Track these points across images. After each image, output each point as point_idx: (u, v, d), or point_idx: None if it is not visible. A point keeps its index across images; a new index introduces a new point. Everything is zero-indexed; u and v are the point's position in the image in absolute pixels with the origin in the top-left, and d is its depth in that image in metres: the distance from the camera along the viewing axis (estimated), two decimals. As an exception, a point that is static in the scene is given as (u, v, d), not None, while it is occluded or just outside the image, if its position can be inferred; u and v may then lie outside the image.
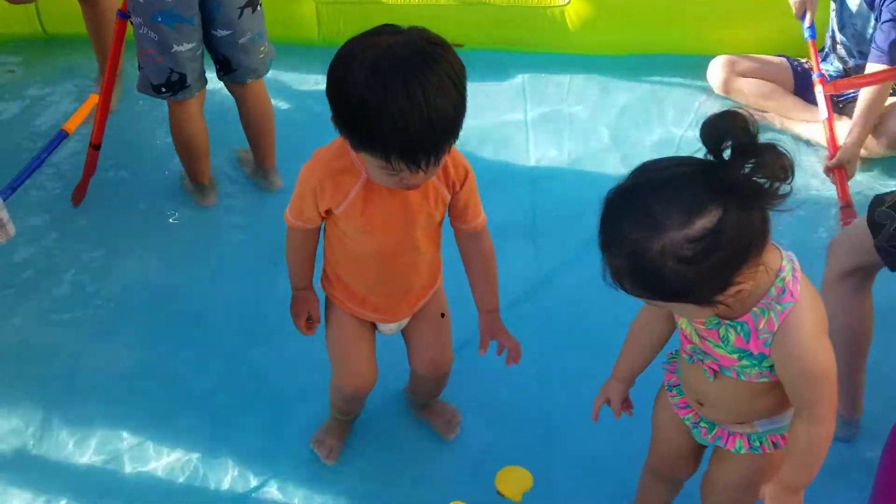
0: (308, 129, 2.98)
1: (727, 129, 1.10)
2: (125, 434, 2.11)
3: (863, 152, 2.81)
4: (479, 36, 3.40)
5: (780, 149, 1.08)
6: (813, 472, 1.36)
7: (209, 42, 2.44)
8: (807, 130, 3.04)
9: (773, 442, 1.45)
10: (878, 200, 1.83)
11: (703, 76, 3.25)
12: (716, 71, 3.19)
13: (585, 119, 3.17)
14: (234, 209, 2.78)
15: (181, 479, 2.03)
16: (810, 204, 2.75)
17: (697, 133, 1.14)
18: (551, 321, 2.39)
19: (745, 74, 3.14)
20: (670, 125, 3.14)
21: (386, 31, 1.37)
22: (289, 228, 1.68)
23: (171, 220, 2.73)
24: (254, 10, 2.42)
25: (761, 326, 1.25)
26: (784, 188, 1.09)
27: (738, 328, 1.27)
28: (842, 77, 3.02)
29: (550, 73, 3.38)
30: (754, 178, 1.08)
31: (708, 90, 3.26)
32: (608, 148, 3.04)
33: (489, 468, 1.86)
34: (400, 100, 1.28)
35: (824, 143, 2.86)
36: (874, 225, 1.80)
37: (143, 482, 2.03)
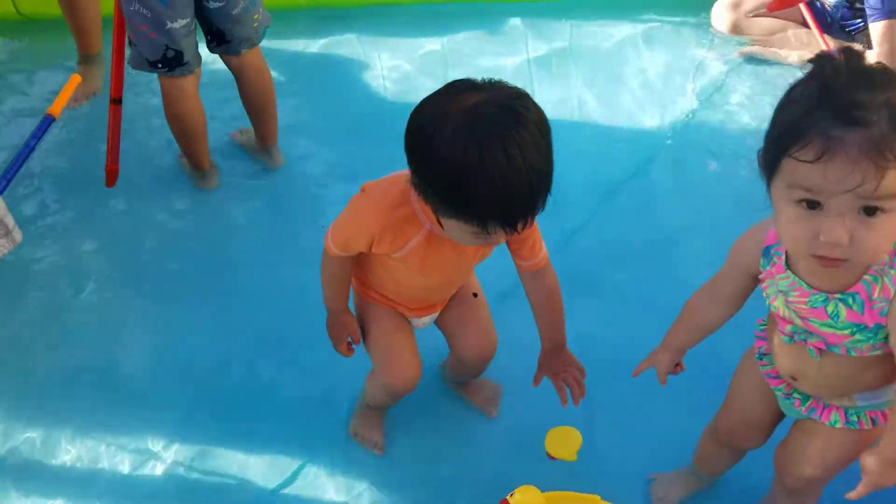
0: (301, 98, 2.90)
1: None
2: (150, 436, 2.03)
3: None
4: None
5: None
6: None
7: (201, 15, 2.31)
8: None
9: (871, 418, 1.39)
10: None
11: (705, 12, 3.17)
12: (721, 15, 3.14)
13: (589, 62, 3.09)
14: (241, 190, 2.66)
15: (223, 468, 1.96)
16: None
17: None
18: (580, 281, 2.29)
19: (752, 13, 3.08)
20: (674, 67, 3.06)
21: (463, 87, 1.28)
22: (327, 254, 1.61)
23: (178, 207, 2.61)
24: None
25: (875, 295, 1.18)
26: None
27: (850, 300, 1.20)
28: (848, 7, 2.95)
29: (549, 17, 3.27)
30: None
31: (711, 27, 3.20)
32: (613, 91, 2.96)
33: (536, 439, 1.80)
34: (500, 162, 1.20)
35: None
36: None
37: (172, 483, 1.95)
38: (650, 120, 2.86)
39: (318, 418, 2.04)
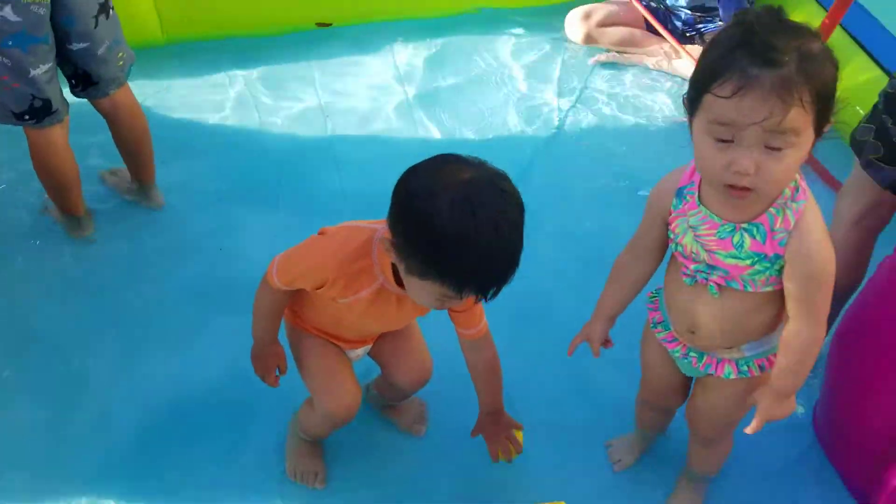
0: (173, 132, 2.80)
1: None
2: None
3: None
4: (345, 13, 3.36)
5: None
6: (803, 376, 1.43)
7: (63, 58, 2.19)
8: (678, 67, 3.23)
9: (759, 365, 1.51)
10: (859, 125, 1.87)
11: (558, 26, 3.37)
12: (574, 27, 3.32)
13: (464, 79, 3.18)
14: (117, 236, 2.52)
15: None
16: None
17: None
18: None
19: (603, 24, 3.27)
20: (539, 78, 3.21)
21: (453, 161, 1.36)
22: (267, 285, 1.60)
23: (56, 260, 2.44)
24: (108, 16, 2.19)
25: (777, 226, 1.30)
26: None
27: (754, 230, 1.31)
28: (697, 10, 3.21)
29: (422, 38, 3.34)
30: None
31: (566, 39, 3.38)
32: (490, 107, 3.05)
33: (470, 449, 1.88)
34: (490, 235, 1.29)
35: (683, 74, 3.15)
36: (856, 144, 1.86)
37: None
38: (525, 127, 2.97)
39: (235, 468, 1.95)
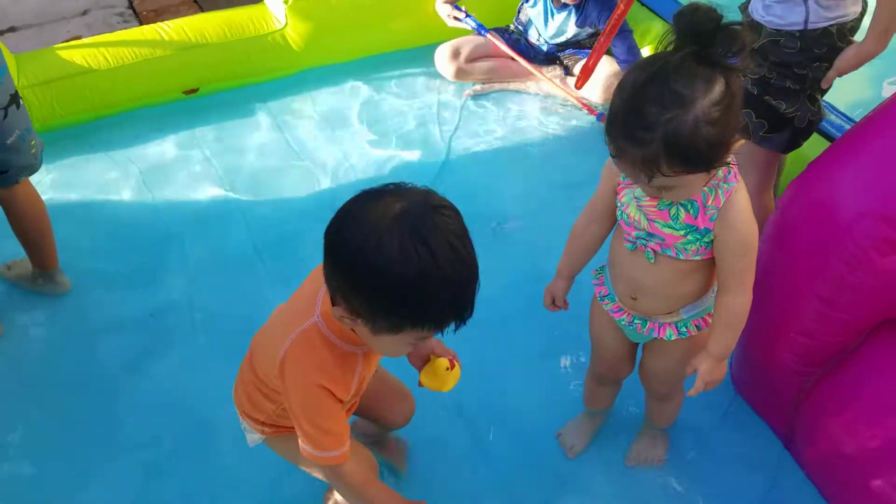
0: (66, 215, 2.75)
1: (701, 21, 1.28)
2: None
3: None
4: (210, 77, 3.35)
5: (735, 27, 1.29)
6: (734, 341, 1.61)
7: None
8: (543, 87, 3.47)
9: (696, 325, 1.69)
10: None
11: (428, 62, 3.52)
12: (444, 66, 3.48)
13: (343, 125, 3.27)
14: (31, 326, 2.45)
15: None
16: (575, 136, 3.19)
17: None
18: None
19: (470, 59, 3.45)
20: (425, 111, 3.36)
21: (376, 196, 1.25)
22: (344, 472, 1.50)
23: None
24: (17, 106, 2.17)
25: (709, 203, 1.48)
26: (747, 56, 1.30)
27: (689, 206, 1.49)
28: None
29: (294, 94, 3.41)
30: (730, 52, 1.29)
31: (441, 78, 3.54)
32: (375, 150, 3.17)
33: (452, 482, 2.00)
34: (449, 256, 1.21)
35: (558, 93, 3.40)
36: (742, 130, 2.12)
37: None
38: (416, 161, 3.10)
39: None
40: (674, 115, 1.28)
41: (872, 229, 1.70)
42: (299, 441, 1.48)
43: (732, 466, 2.05)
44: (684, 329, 1.70)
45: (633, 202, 1.57)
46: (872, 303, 1.77)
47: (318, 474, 1.69)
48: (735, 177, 1.49)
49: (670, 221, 1.52)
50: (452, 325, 1.29)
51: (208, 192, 2.96)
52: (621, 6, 2.98)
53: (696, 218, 1.50)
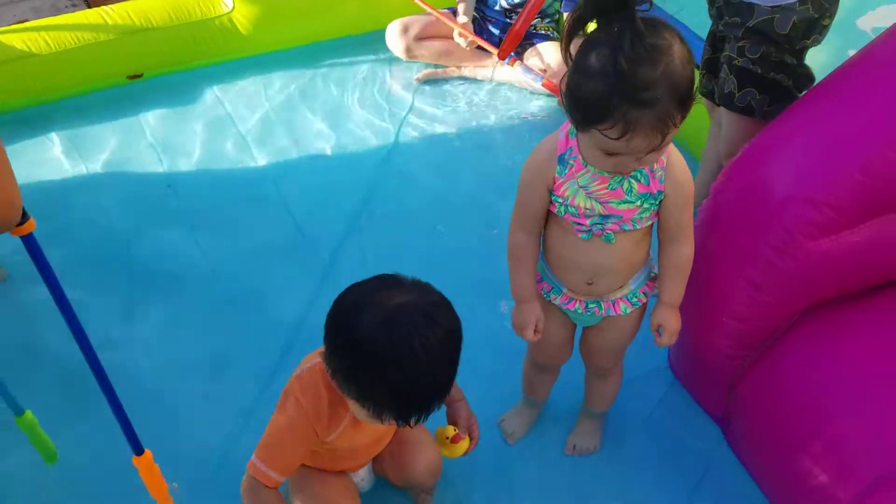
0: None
1: None
2: None
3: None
4: (154, 62, 3.29)
5: None
6: (684, 288, 1.69)
7: None
8: (490, 73, 3.43)
9: (643, 292, 1.73)
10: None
11: (381, 48, 3.48)
12: (394, 41, 3.43)
13: (296, 113, 3.23)
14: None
15: None
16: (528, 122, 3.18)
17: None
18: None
19: (421, 37, 3.41)
20: (375, 97, 3.32)
21: (392, 284, 1.41)
22: (262, 490, 1.55)
23: None
24: None
25: (655, 167, 1.52)
26: None
27: (639, 175, 1.52)
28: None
29: (242, 79, 3.36)
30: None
31: (390, 58, 3.50)
32: (324, 136, 3.13)
33: None
34: (405, 363, 1.33)
35: (510, 79, 3.37)
36: (705, 94, 2.27)
37: None
38: (364, 148, 3.06)
39: None
40: (665, 64, 1.30)
41: (801, 214, 1.71)
42: None
43: (669, 452, 2.06)
44: (635, 299, 1.72)
45: (581, 192, 1.54)
46: (801, 287, 1.78)
47: None
48: None
49: (625, 196, 1.53)
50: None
51: (151, 178, 2.90)
52: None
53: (648, 185, 1.53)
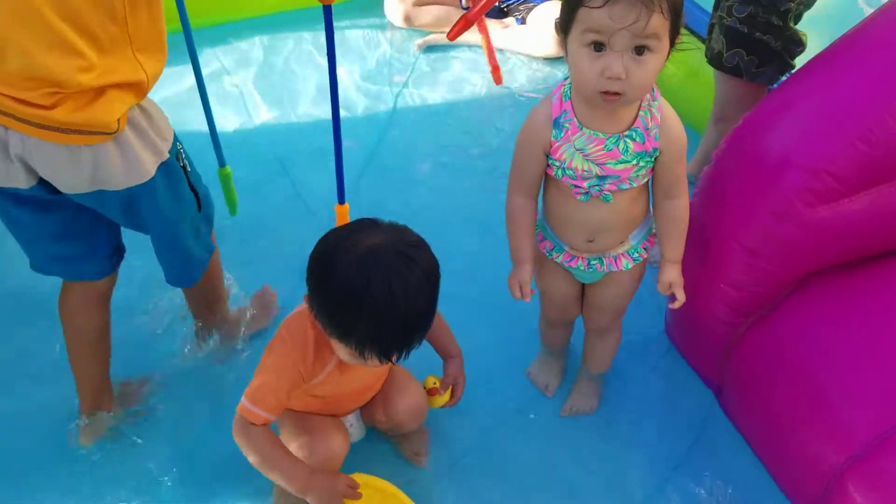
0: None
1: None
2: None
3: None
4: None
5: None
6: (684, 242, 1.71)
7: None
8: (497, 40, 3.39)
9: (643, 247, 1.75)
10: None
11: (379, 13, 3.46)
12: (392, 9, 3.41)
13: (294, 77, 3.21)
14: None
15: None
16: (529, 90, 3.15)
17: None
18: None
19: (419, 3, 3.39)
20: (373, 65, 3.31)
21: (369, 226, 1.45)
22: (250, 431, 1.57)
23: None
24: None
25: (650, 125, 1.53)
26: None
27: (634, 135, 1.53)
28: None
29: (240, 40, 3.35)
30: None
31: (389, 24, 3.47)
32: (319, 102, 3.10)
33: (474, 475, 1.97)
34: (383, 296, 1.36)
35: (512, 47, 3.34)
36: (731, 69, 2.21)
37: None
38: (363, 116, 3.05)
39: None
40: None
41: (799, 181, 1.71)
42: None
43: (664, 416, 2.08)
44: (636, 254, 1.74)
45: (578, 154, 1.55)
46: (797, 254, 1.80)
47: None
48: (657, 92, 1.55)
49: (622, 156, 1.54)
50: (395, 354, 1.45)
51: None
52: None
53: (644, 143, 1.54)
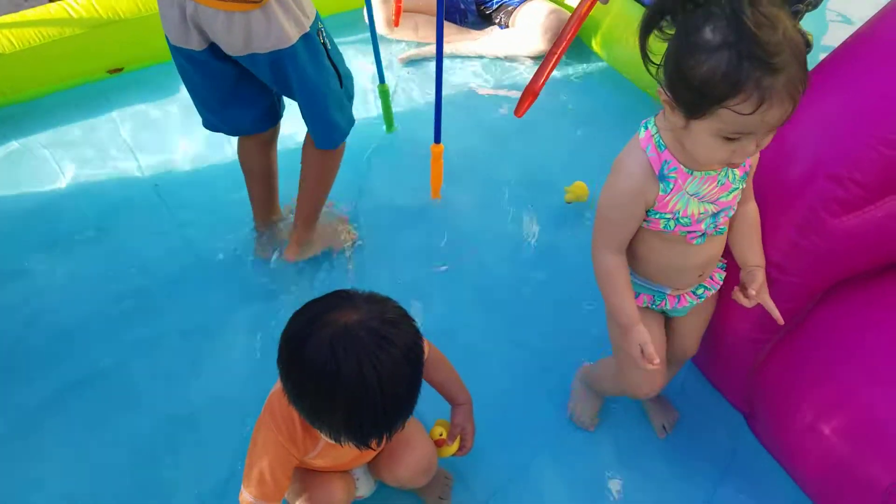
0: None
1: None
2: None
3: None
4: (129, 56, 3.18)
5: None
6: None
7: None
8: (476, 47, 3.34)
9: (723, 264, 1.71)
10: None
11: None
12: (377, 15, 3.31)
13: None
14: None
15: None
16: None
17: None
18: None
19: (403, 9, 3.29)
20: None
21: (345, 301, 1.32)
22: None
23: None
24: None
25: None
26: None
27: None
28: None
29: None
30: None
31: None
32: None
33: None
34: (352, 385, 1.25)
35: (500, 52, 3.28)
36: None
37: None
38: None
39: None
40: (783, 28, 1.19)
41: (823, 191, 1.64)
42: None
43: (695, 440, 2.00)
44: (719, 277, 1.71)
45: (693, 200, 1.46)
46: (824, 266, 1.72)
47: None
48: None
49: (732, 185, 1.49)
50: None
51: (133, 177, 2.80)
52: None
53: (743, 164, 1.49)
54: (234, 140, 2.89)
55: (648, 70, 1.32)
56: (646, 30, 1.28)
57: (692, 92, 1.24)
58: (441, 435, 1.74)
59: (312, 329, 1.28)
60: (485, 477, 1.93)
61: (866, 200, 1.65)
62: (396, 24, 3.16)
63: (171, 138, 2.94)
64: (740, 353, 1.89)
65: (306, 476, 1.65)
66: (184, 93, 3.05)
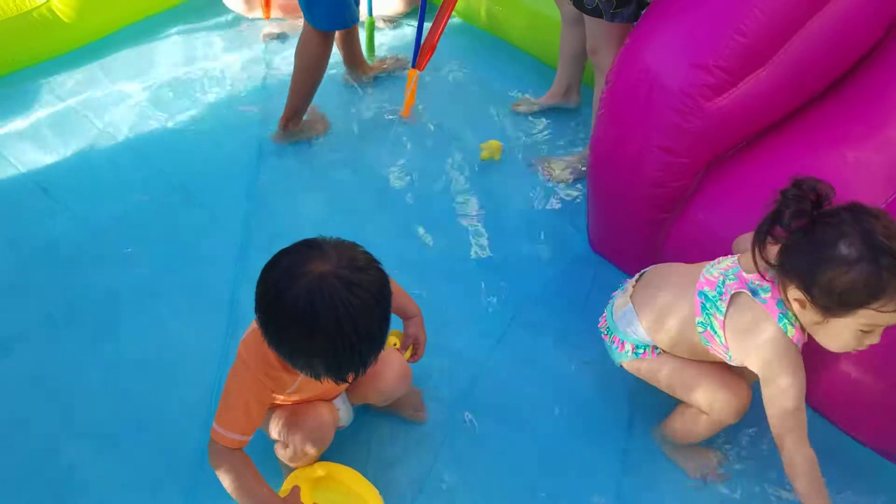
0: None
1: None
2: None
3: None
4: None
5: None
6: None
7: None
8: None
9: None
10: None
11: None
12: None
13: (142, 96, 3.08)
14: None
15: None
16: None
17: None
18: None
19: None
20: (222, 65, 3.24)
21: (314, 254, 1.39)
22: (224, 454, 1.59)
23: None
24: None
25: None
26: None
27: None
28: None
29: (79, 71, 3.15)
30: None
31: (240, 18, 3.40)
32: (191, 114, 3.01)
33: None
34: (330, 331, 1.36)
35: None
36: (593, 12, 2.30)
37: None
38: (237, 116, 2.99)
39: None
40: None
41: (696, 78, 1.91)
42: None
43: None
44: None
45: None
46: (705, 143, 2.00)
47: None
48: None
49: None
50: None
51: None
52: None
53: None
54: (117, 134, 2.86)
55: (757, 266, 1.58)
56: (764, 236, 1.54)
57: (832, 298, 1.48)
58: (395, 345, 1.90)
59: (289, 281, 1.37)
60: (448, 382, 2.11)
61: (731, 84, 1.93)
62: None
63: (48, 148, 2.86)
64: (643, 235, 2.17)
65: (294, 407, 1.76)
66: (45, 100, 3.00)
